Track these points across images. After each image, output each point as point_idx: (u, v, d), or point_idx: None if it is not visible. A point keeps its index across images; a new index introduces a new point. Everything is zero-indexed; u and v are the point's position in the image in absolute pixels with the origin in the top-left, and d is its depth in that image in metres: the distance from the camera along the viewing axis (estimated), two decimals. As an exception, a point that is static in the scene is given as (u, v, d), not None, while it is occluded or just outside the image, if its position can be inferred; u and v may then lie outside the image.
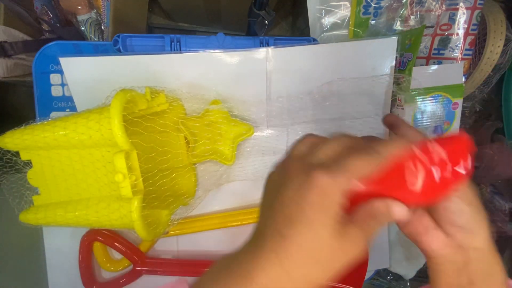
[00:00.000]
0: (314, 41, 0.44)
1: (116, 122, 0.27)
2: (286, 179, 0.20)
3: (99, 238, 0.40)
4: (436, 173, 0.21)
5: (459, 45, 0.49)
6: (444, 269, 0.23)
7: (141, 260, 0.41)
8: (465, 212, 0.23)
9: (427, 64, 0.51)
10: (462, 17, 0.48)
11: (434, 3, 0.47)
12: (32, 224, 0.34)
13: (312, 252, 0.18)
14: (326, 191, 0.18)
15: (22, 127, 0.32)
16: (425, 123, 0.45)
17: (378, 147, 0.20)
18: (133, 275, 0.41)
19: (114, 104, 0.27)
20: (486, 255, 0.23)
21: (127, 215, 0.29)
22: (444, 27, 0.49)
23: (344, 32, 0.50)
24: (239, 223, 0.43)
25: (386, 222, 0.20)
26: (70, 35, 0.50)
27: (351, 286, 0.42)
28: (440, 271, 0.23)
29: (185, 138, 0.40)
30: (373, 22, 0.49)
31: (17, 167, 0.34)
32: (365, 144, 0.21)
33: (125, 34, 0.39)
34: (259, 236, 0.20)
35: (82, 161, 0.32)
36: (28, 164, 0.34)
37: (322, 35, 0.50)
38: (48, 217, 0.33)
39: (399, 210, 0.19)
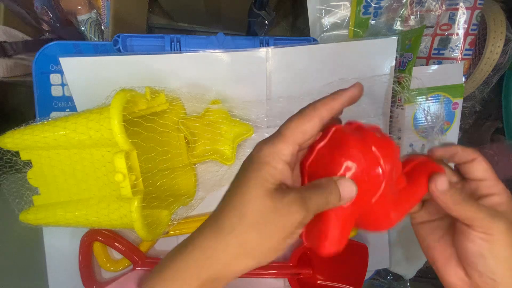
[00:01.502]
0: (314, 41, 0.44)
1: (116, 122, 0.27)
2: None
3: (99, 238, 0.40)
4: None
5: (459, 45, 0.49)
6: None
7: (141, 260, 0.41)
8: (487, 259, 0.21)
9: (427, 64, 0.51)
10: (462, 17, 0.48)
11: (434, 3, 0.47)
12: (32, 224, 0.34)
13: (246, 214, 0.19)
14: (261, 158, 0.19)
15: (22, 127, 0.32)
16: (425, 123, 0.45)
17: (310, 105, 0.21)
18: (133, 275, 0.41)
19: (114, 104, 0.27)
20: None
21: (127, 215, 0.29)
22: (444, 27, 0.49)
23: (344, 32, 0.50)
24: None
25: (331, 203, 0.20)
26: (70, 35, 0.50)
27: (351, 286, 0.42)
28: None
29: (185, 138, 0.40)
30: (373, 22, 0.49)
31: (17, 167, 0.34)
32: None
33: (125, 34, 0.39)
34: (212, 216, 0.21)
35: (82, 161, 0.32)
36: (28, 164, 0.34)
37: (322, 35, 0.50)
38: (48, 217, 0.33)
39: (349, 191, 0.20)
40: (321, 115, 0.21)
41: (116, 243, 0.40)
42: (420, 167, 0.24)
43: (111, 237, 0.40)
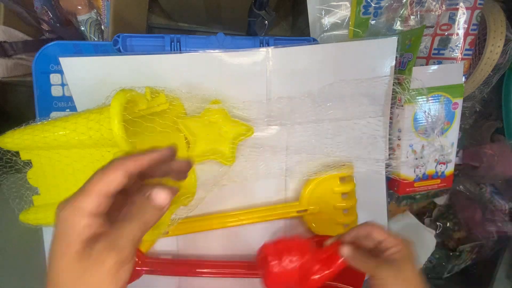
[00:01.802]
0: (314, 41, 0.44)
1: (116, 122, 0.27)
2: None
3: None
4: None
5: (459, 45, 0.49)
6: None
7: (141, 260, 0.41)
8: None
9: (427, 64, 0.51)
10: (462, 17, 0.48)
11: (434, 3, 0.47)
12: (32, 224, 0.34)
13: (62, 284, 0.19)
14: (62, 222, 0.19)
15: (22, 127, 0.32)
16: (425, 123, 0.45)
17: (117, 159, 0.21)
18: (133, 275, 0.41)
19: (114, 104, 0.27)
20: None
21: None
22: (444, 27, 0.49)
23: (344, 32, 0.50)
24: (239, 223, 0.43)
25: (152, 216, 0.21)
26: (70, 35, 0.50)
27: (351, 287, 0.42)
28: None
29: (185, 138, 0.40)
30: (373, 22, 0.49)
31: (17, 167, 0.34)
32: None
33: (125, 34, 0.39)
34: None
35: (82, 161, 0.32)
36: (28, 164, 0.34)
37: (322, 35, 0.50)
38: (48, 217, 0.33)
39: (162, 197, 0.21)
40: (127, 168, 0.21)
41: None
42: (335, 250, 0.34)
43: None
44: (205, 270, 0.42)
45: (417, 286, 0.29)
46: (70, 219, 0.19)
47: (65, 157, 0.32)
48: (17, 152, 0.34)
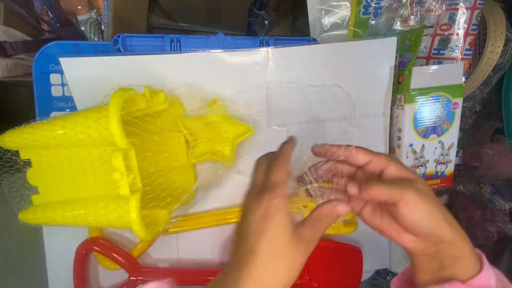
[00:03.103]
0: (314, 41, 0.44)
1: (114, 121, 0.27)
2: (248, 207, 0.26)
3: (95, 248, 0.40)
4: None
5: (459, 45, 0.49)
6: (419, 259, 0.27)
7: (137, 269, 0.41)
8: (420, 225, 0.25)
9: (427, 64, 0.51)
10: (462, 17, 0.48)
11: (434, 3, 0.47)
12: (31, 223, 0.34)
13: (276, 258, 0.23)
14: (271, 208, 0.24)
15: (22, 126, 0.32)
16: (425, 123, 0.45)
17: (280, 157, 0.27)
18: (129, 285, 0.41)
19: (112, 103, 0.27)
20: (454, 244, 0.26)
21: (125, 215, 0.29)
22: (444, 27, 0.49)
23: (344, 32, 0.50)
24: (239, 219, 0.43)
25: (332, 222, 0.25)
26: (70, 35, 0.50)
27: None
28: (416, 260, 0.27)
29: (185, 138, 0.40)
30: (373, 22, 0.49)
31: (16, 166, 0.34)
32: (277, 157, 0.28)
33: (125, 34, 0.39)
34: (236, 257, 0.24)
35: (81, 160, 0.32)
36: (28, 163, 0.34)
37: (322, 35, 0.50)
38: (47, 217, 0.33)
39: (341, 209, 0.25)
40: (287, 167, 0.27)
41: (113, 253, 0.40)
42: None
43: (108, 246, 0.40)
44: (202, 278, 0.42)
45: (434, 198, 0.26)
46: (282, 207, 0.24)
47: (64, 156, 0.32)
48: (17, 152, 0.34)
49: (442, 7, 0.47)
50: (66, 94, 0.41)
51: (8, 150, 0.34)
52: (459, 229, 0.26)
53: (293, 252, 0.23)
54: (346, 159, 0.30)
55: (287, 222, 0.24)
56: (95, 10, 0.50)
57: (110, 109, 0.27)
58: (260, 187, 0.26)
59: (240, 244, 0.24)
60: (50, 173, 0.33)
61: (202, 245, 0.44)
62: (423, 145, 0.46)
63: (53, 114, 0.41)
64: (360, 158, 0.29)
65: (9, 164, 0.34)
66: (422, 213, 0.25)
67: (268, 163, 0.28)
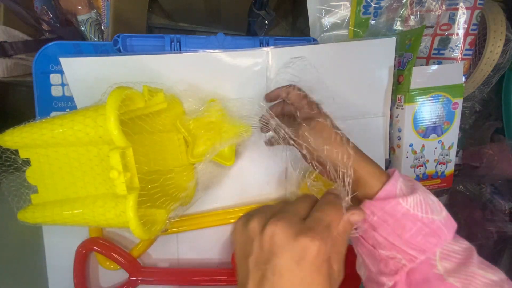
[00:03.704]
0: (314, 41, 0.44)
1: (111, 119, 0.26)
2: (274, 245, 0.21)
3: (95, 248, 0.40)
4: None
5: (459, 45, 0.49)
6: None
7: (137, 270, 0.41)
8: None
9: (427, 64, 0.51)
10: (462, 17, 0.48)
11: (434, 3, 0.47)
12: (30, 222, 0.34)
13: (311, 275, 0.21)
14: (318, 253, 0.21)
15: (21, 126, 0.32)
16: (425, 123, 0.45)
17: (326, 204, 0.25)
18: (128, 285, 0.41)
19: (109, 101, 0.27)
20: (354, 168, 0.28)
21: (123, 214, 0.28)
22: (444, 27, 0.49)
23: (344, 32, 0.50)
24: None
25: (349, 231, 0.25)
26: (70, 35, 0.50)
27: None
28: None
29: (184, 138, 0.40)
30: (373, 22, 0.49)
31: (16, 165, 0.34)
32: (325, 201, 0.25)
33: (125, 34, 0.39)
34: None
35: (80, 159, 0.32)
36: (27, 162, 0.34)
37: (322, 35, 0.50)
38: (45, 216, 0.32)
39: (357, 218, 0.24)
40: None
41: (113, 253, 0.40)
42: None
43: (108, 246, 0.40)
44: (201, 278, 0.42)
45: (330, 134, 0.30)
46: (320, 250, 0.21)
47: (63, 155, 0.32)
48: (16, 151, 0.34)
49: (442, 7, 0.47)
50: (66, 94, 0.41)
51: (7, 149, 0.34)
52: (356, 153, 0.29)
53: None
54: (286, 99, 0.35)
55: (328, 268, 0.22)
56: (95, 10, 0.50)
57: (108, 107, 0.27)
58: (309, 224, 0.23)
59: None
60: (49, 172, 0.33)
61: (202, 245, 0.44)
62: (423, 145, 0.46)
63: (53, 114, 0.41)
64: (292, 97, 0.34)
65: (8, 163, 0.34)
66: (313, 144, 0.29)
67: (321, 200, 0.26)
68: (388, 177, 0.28)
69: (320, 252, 0.21)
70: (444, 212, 0.27)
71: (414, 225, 0.26)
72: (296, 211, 0.24)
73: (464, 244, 0.27)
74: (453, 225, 0.27)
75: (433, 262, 0.25)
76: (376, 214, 0.26)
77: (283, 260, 0.21)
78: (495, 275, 0.24)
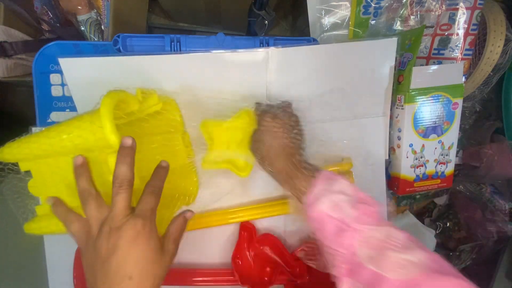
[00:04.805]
0: (314, 41, 0.44)
1: (108, 127, 0.26)
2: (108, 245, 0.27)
3: None
4: None
5: (459, 45, 0.49)
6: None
7: None
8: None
9: (427, 64, 0.51)
10: (462, 17, 0.48)
11: (434, 3, 0.47)
12: (36, 233, 0.34)
13: (148, 273, 0.27)
14: (138, 234, 0.27)
15: (18, 139, 0.31)
16: (425, 123, 0.45)
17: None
18: None
19: (104, 101, 0.27)
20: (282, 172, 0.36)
21: None
22: (444, 27, 0.49)
23: (344, 32, 0.50)
24: (239, 219, 0.43)
25: (184, 227, 0.32)
26: (70, 35, 0.50)
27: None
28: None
29: (183, 141, 0.40)
30: (373, 22, 0.49)
31: (19, 176, 0.34)
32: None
33: (125, 34, 0.39)
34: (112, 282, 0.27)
35: None
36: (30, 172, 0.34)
37: (322, 35, 0.50)
38: (51, 225, 0.32)
39: (190, 215, 0.33)
40: None
41: None
42: None
43: None
44: (199, 279, 0.42)
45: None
46: (139, 230, 0.28)
47: (64, 163, 0.32)
48: (17, 163, 0.33)
49: (442, 7, 0.47)
50: (66, 94, 0.41)
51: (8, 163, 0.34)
52: (283, 161, 0.34)
53: (161, 263, 0.29)
54: None
55: (154, 241, 0.28)
56: (95, 10, 0.50)
57: (102, 115, 0.26)
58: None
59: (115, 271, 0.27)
60: (51, 182, 0.33)
61: (202, 245, 0.44)
62: (423, 145, 0.46)
63: (53, 114, 0.41)
64: None
65: (11, 174, 0.34)
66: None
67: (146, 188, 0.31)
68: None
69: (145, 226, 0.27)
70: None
71: (331, 224, 0.30)
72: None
73: (387, 230, 0.29)
74: (371, 210, 0.30)
75: (355, 251, 0.29)
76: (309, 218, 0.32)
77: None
78: (414, 256, 0.26)
